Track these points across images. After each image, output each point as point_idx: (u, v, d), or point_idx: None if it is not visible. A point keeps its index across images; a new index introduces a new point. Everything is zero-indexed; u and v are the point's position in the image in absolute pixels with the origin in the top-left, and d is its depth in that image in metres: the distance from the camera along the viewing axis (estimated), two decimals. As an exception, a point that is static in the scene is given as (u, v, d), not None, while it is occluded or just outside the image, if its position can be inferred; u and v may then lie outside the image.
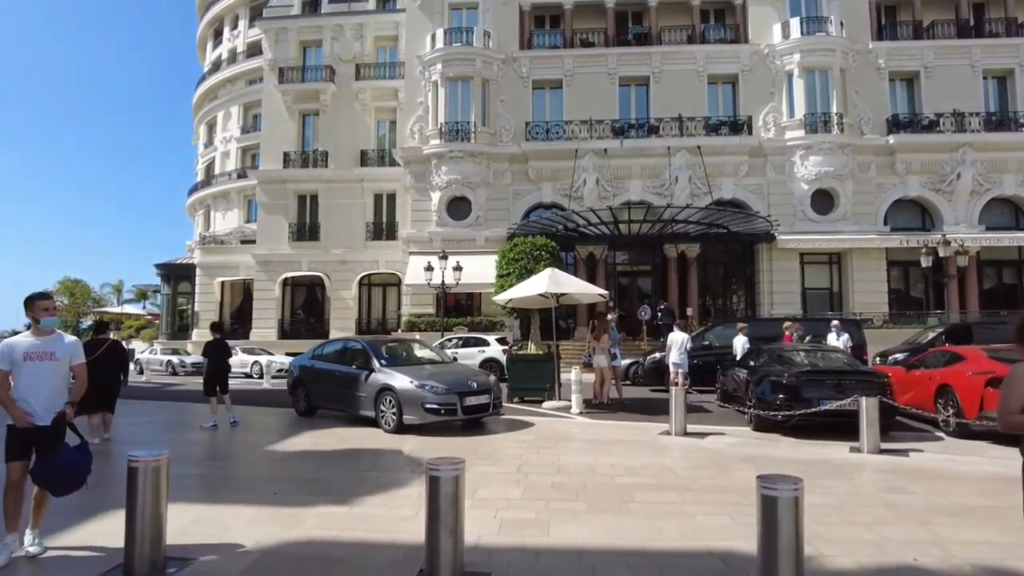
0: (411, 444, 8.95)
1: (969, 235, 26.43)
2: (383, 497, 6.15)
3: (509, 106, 29.10)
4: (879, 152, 28.16)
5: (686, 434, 9.57)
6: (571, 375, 11.82)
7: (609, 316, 15.16)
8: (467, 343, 22.54)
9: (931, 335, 19.60)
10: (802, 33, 28.17)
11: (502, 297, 12.69)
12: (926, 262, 22.86)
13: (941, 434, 9.82)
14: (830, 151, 27.48)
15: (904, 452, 8.48)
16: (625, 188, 28.26)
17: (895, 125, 28.42)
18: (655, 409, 12.85)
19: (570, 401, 12.59)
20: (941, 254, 22.42)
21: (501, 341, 22.66)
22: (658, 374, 16.43)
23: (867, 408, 8.54)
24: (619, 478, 6.91)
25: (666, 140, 28.10)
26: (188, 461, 8.20)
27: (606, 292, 13.02)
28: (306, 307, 33.60)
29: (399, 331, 27.95)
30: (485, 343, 22.27)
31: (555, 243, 17.78)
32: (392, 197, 31.79)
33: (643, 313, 27.45)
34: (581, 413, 11.69)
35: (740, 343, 14.87)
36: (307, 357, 12.50)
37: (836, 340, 16.00)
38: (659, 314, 27.23)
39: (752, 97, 28.88)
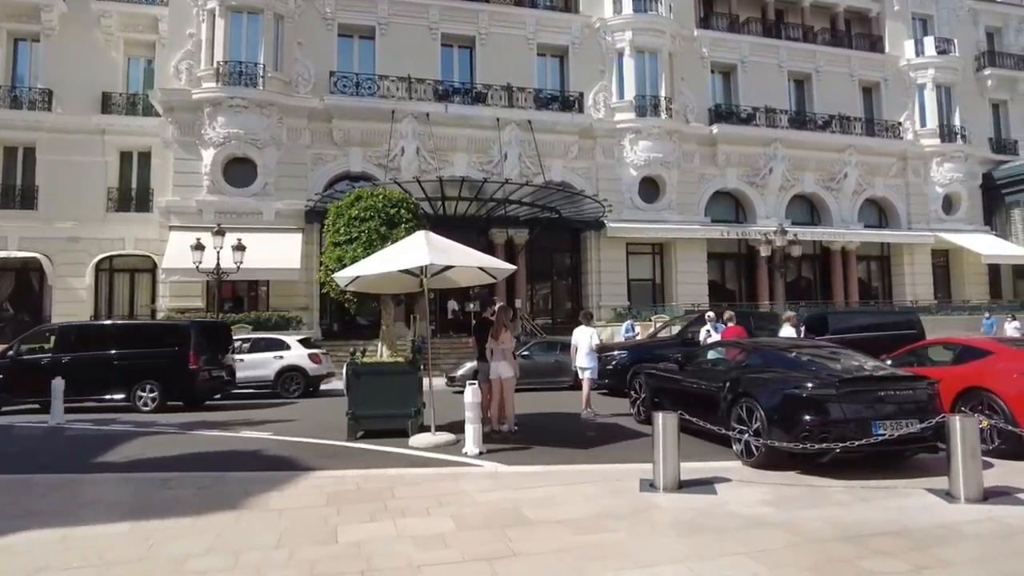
0: (211, 549, 4.16)
1: (789, 229, 26.70)
2: None
3: (309, 51, 23.60)
4: (703, 142, 27.65)
5: (681, 487, 5.93)
6: (467, 395, 7.59)
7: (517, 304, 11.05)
8: (256, 346, 17.04)
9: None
10: (634, 10, 26.59)
11: (347, 274, 8.00)
12: (766, 251, 22.26)
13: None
14: (659, 137, 26.24)
15: (1014, 496, 5.67)
16: (449, 162, 24.34)
17: (717, 116, 28.14)
18: (562, 435, 9.15)
19: (449, 433, 8.36)
20: (778, 244, 21.84)
21: (305, 343, 17.51)
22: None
23: (963, 433, 5.60)
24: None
25: (495, 110, 24.74)
26: None
27: (512, 267, 9.00)
28: (15, 300, 24.71)
29: (156, 330, 21.09)
30: (283, 345, 16.99)
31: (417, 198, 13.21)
32: (146, 156, 24.39)
33: (470, 307, 24.06)
34: (482, 454, 7.51)
35: (586, 335, 11.33)
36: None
37: (714, 336, 13.63)
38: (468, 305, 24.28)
39: (582, 73, 26.72)
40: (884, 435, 6.11)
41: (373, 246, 8.56)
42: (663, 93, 26.52)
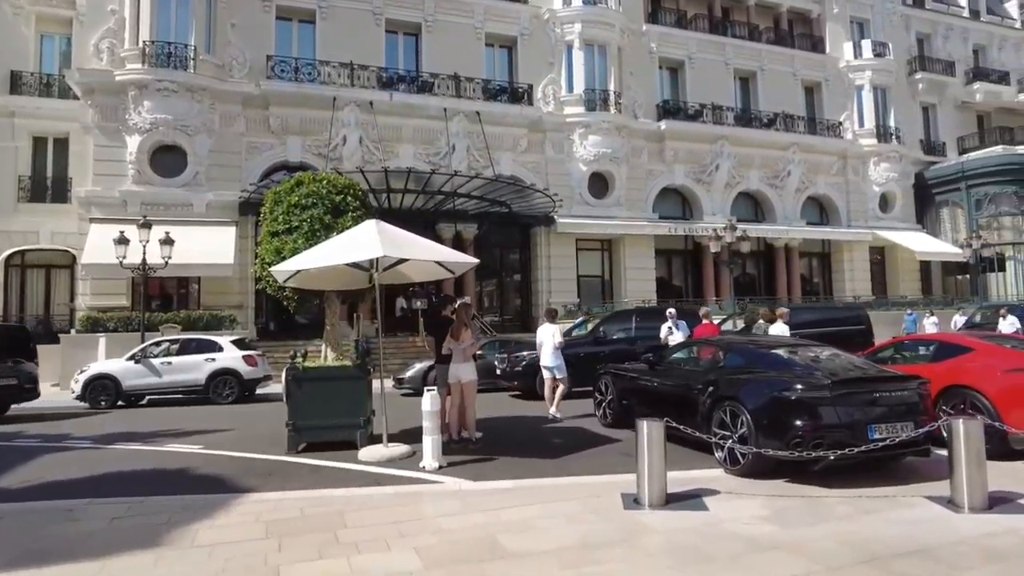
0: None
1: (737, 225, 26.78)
2: None
3: (244, 33, 22.20)
4: (650, 138, 27.49)
5: (667, 502, 5.36)
6: (424, 402, 6.82)
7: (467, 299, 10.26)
8: (185, 348, 15.74)
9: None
10: (583, 2, 26.17)
11: (288, 267, 7.12)
12: (715, 247, 22.15)
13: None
14: (608, 132, 25.91)
15: (1017, 502, 5.31)
16: (394, 153, 23.35)
17: (664, 112, 28.01)
18: (527, 442, 8.50)
19: (403, 444, 7.58)
20: (727, 240, 21.79)
21: (239, 343, 16.31)
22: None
23: (968, 438, 5.22)
24: None
25: (442, 100, 23.89)
26: None
27: (474, 260, 8.26)
28: (-90, 298, 22.37)
29: (73, 331, 19.48)
30: (215, 346, 15.75)
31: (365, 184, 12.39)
32: (63, 142, 22.41)
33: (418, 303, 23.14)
34: (442, 468, 6.76)
35: (550, 333, 10.79)
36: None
37: (676, 333, 13.23)
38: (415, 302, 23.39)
39: (531, 65, 26.14)
40: (885, 440, 5.70)
41: (316, 237, 7.69)
42: (612, 87, 26.20)
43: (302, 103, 22.16)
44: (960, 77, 34.96)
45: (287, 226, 7.93)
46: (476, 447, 7.88)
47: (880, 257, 32.23)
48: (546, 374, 10.60)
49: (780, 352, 6.92)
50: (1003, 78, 35.78)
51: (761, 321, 11.79)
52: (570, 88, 26.19)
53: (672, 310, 13.03)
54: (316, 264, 6.79)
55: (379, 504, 5.55)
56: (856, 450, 5.52)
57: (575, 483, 6.16)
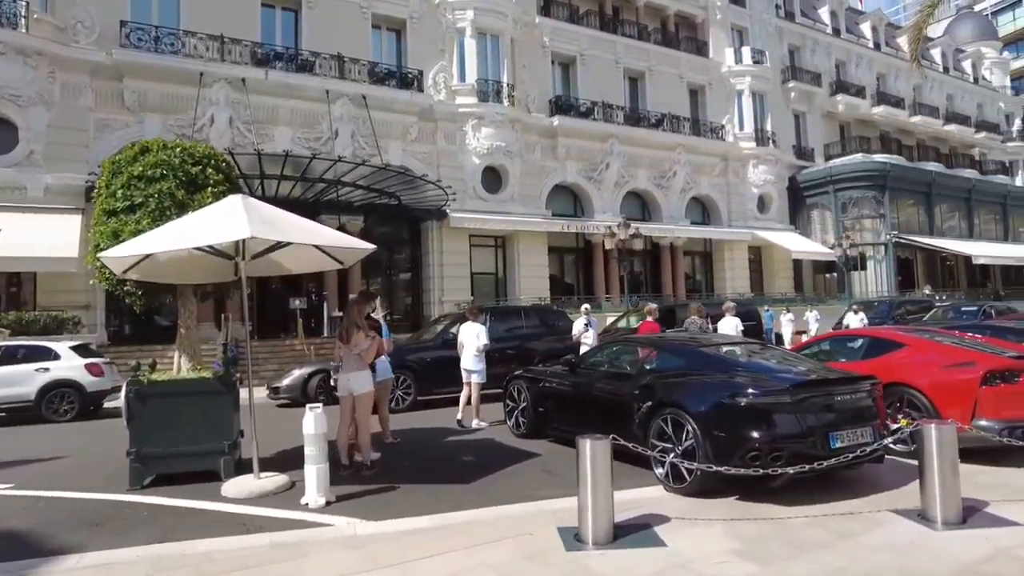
0: None
1: (624, 224, 26.75)
2: None
3: (92, -6, 19.34)
4: (544, 133, 26.98)
5: (615, 538, 4.41)
6: (306, 424, 5.43)
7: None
8: (10, 356, 13.18)
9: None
10: (476, -12, 25.16)
11: (125, 252, 5.52)
12: (610, 244, 21.90)
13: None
14: (501, 124, 25.10)
15: (985, 512, 4.81)
16: (270, 136, 21.25)
17: (557, 108, 27.55)
18: (432, 461, 7.32)
19: (280, 474, 6.17)
20: (621, 237, 21.58)
21: (82, 350, 13.90)
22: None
23: (941, 445, 4.66)
24: None
25: (324, 81, 22.05)
26: None
27: (369, 246, 6.91)
28: None
29: None
30: (49, 354, 13.31)
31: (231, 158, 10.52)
32: None
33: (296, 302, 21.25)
34: (330, 504, 5.44)
35: (473, 333, 9.76)
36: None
37: (590, 331, 12.51)
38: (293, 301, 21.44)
39: (421, 51, 24.81)
40: (850, 449, 5.06)
41: (166, 216, 6.12)
42: (505, 79, 25.41)
43: (163, 77, 19.61)
44: (825, 88, 37.31)
45: (128, 203, 6.27)
46: (372, 472, 6.58)
47: (757, 256, 33.62)
48: (465, 377, 9.46)
49: (725, 351, 6.20)
50: (860, 92, 38.59)
51: (695, 317, 11.19)
52: (462, 77, 25.12)
53: (587, 306, 12.28)
54: (163, 248, 5.26)
55: (248, 562, 4.20)
56: (825, 463, 4.83)
57: (499, 516, 5.07)
